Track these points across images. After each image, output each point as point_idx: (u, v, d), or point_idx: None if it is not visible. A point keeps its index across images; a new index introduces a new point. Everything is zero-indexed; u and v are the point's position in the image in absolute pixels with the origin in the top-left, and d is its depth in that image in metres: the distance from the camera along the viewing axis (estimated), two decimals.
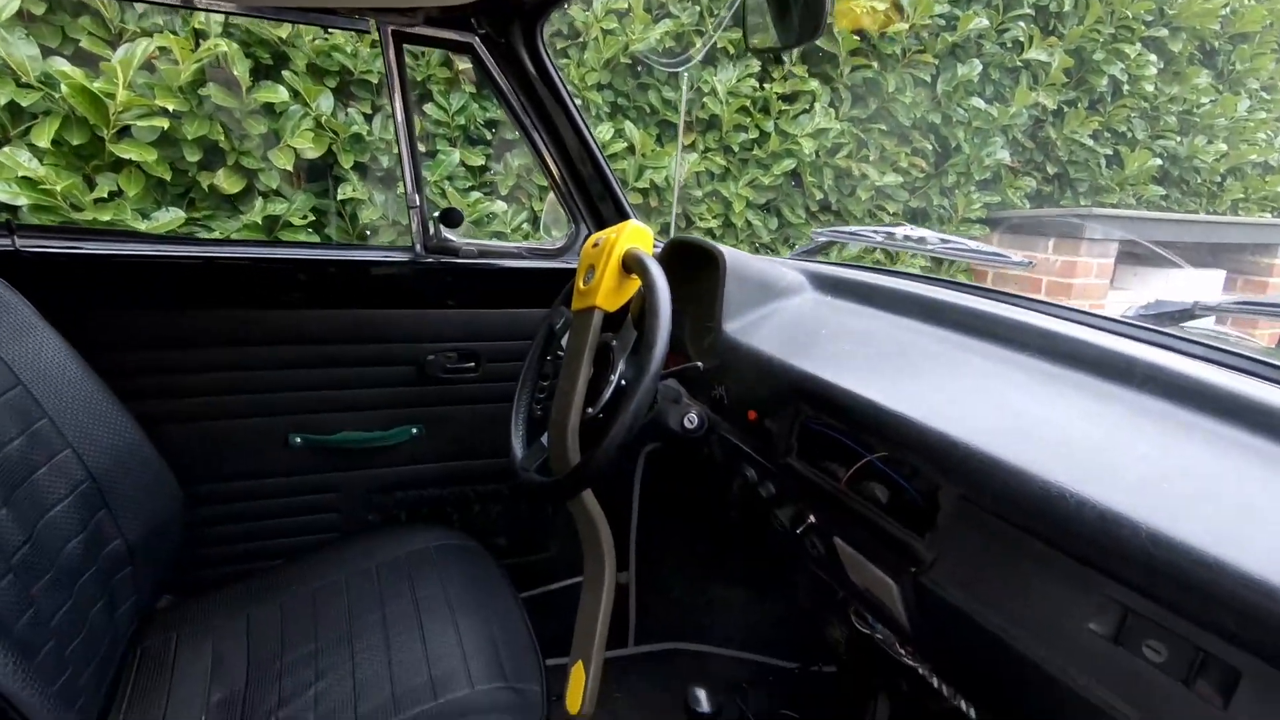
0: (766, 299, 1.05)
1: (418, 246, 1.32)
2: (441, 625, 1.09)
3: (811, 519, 0.95)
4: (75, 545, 0.98)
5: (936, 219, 3.05)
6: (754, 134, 2.66)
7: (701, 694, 0.94)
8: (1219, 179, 3.92)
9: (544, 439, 1.11)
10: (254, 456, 1.30)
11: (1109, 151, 3.49)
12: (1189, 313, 0.79)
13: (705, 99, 2.57)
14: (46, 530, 0.93)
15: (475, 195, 2.30)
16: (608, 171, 1.35)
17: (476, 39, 1.22)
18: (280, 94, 1.99)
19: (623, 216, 1.40)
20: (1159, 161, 3.54)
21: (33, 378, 0.96)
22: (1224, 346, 0.70)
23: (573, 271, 1.44)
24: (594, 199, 1.38)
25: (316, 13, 1.16)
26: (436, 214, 1.32)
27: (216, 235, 2.02)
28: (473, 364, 1.39)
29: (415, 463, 1.43)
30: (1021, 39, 3.03)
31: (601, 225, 1.42)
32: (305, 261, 1.25)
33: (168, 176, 1.91)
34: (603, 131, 2.45)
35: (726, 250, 1.04)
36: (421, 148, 2.24)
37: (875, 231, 1.14)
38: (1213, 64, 3.71)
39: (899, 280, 1.04)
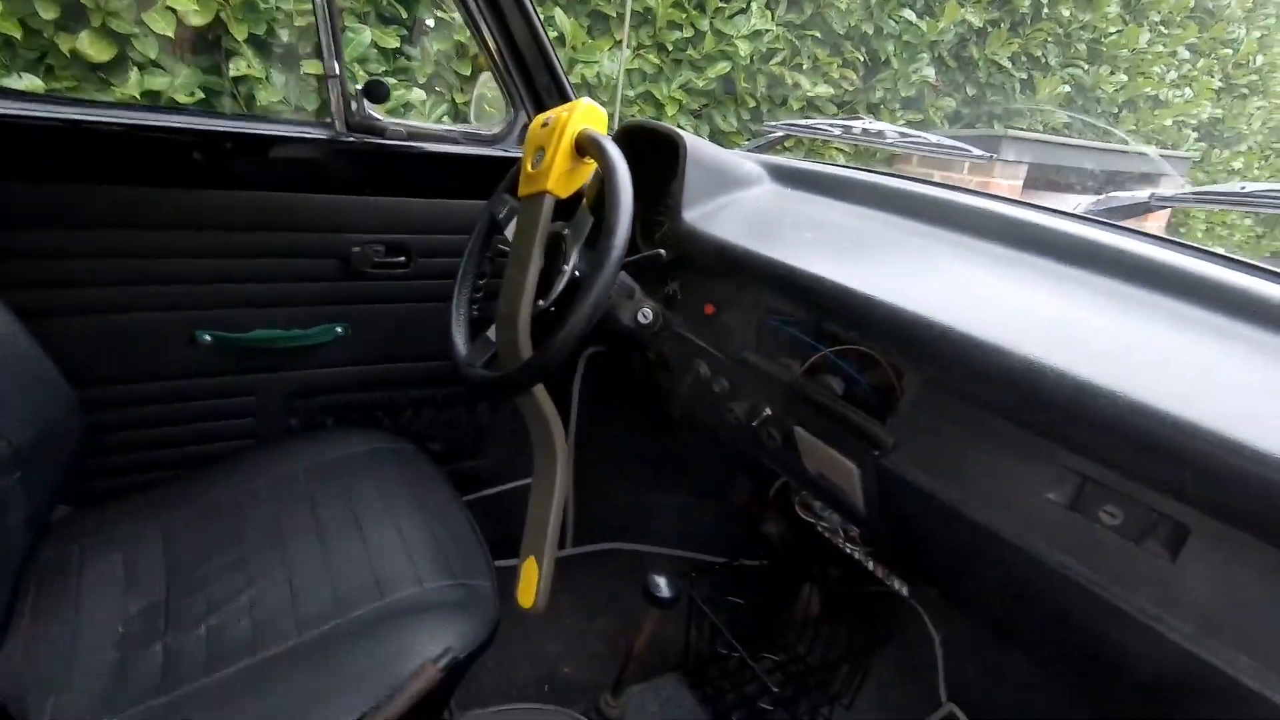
0: (725, 188, 1.02)
1: (337, 123, 1.18)
2: (381, 527, 1.05)
3: (768, 411, 0.96)
4: None
5: None
6: (689, 33, 2.54)
7: (661, 581, 0.96)
8: (1116, 109, 4.13)
9: (489, 334, 1.05)
10: (155, 356, 1.18)
11: (1024, 76, 3.59)
12: (1145, 205, 0.82)
13: None
14: None
15: (390, 81, 2.10)
16: (551, 52, 1.24)
17: None
18: None
19: (565, 99, 1.31)
20: (1067, 88, 3.68)
21: None
22: (1176, 237, 0.73)
23: (512, 160, 1.34)
24: (535, 82, 1.27)
25: None
26: (359, 87, 1.18)
27: None
28: (403, 258, 1.29)
29: (341, 364, 1.33)
30: None
31: (543, 110, 1.32)
32: (206, 132, 1.10)
33: (18, 34, 1.63)
34: None
35: (686, 135, 0.99)
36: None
37: (832, 124, 1.11)
38: None
39: (858, 172, 1.03)
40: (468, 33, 2.20)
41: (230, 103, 1.97)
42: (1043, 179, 3.30)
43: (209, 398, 1.25)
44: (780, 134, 1.23)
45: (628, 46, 2.50)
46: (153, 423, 1.21)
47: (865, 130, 1.06)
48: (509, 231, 1.09)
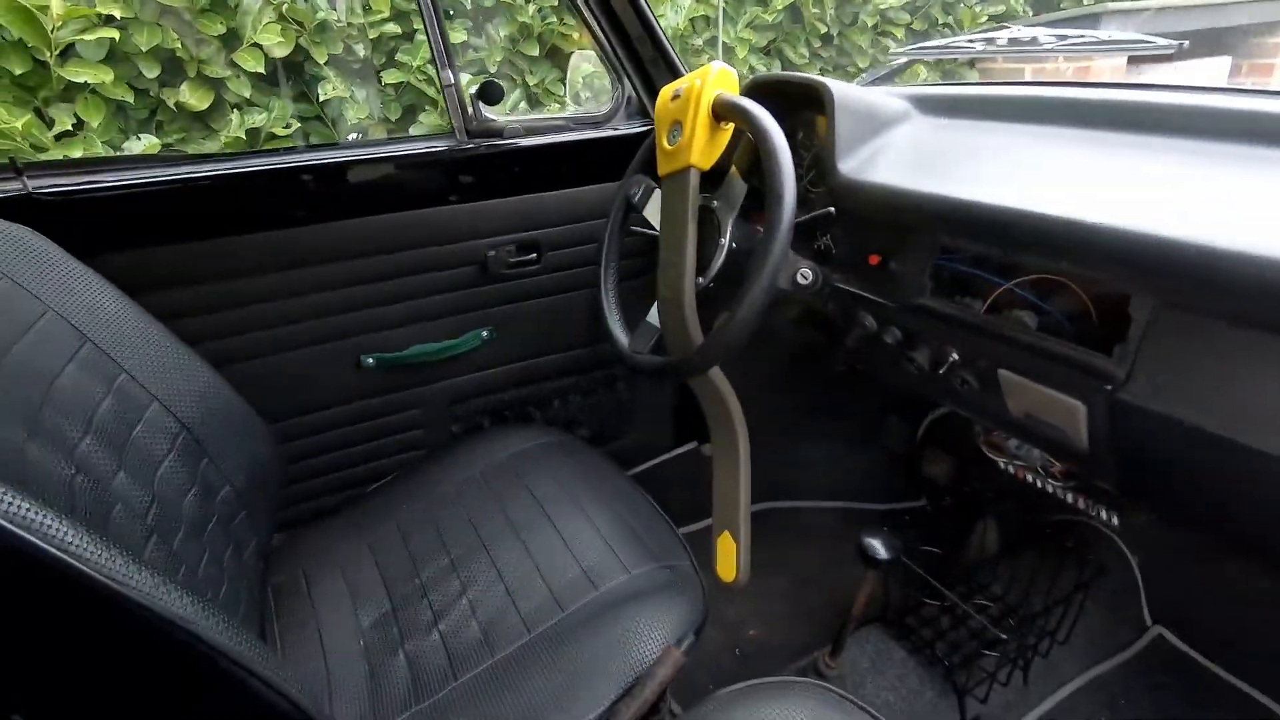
0: (876, 131, 0.97)
1: (458, 132, 1.19)
2: (572, 519, 1.08)
3: (955, 356, 0.92)
4: (192, 499, 0.93)
5: (955, 25, 2.87)
6: None
7: (877, 543, 0.95)
8: None
9: (650, 318, 1.05)
10: (328, 385, 1.24)
11: None
12: None
13: None
14: (164, 488, 0.88)
15: (464, 77, 2.10)
16: (655, 23, 1.20)
17: None
18: None
19: (673, 72, 1.27)
20: None
21: (99, 333, 0.87)
22: None
23: (625, 139, 1.32)
24: (641, 55, 1.24)
25: None
26: (473, 90, 1.18)
27: None
28: (534, 254, 1.30)
29: (490, 367, 1.37)
30: None
31: (651, 86, 1.29)
32: (338, 165, 1.12)
33: (130, 98, 1.71)
34: None
35: (829, 81, 0.94)
36: (398, 29, 2.03)
37: (971, 40, 1.03)
38: None
39: (1012, 89, 0.95)
40: (529, 11, 2.18)
41: (321, 126, 2.02)
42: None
43: (379, 416, 1.31)
44: (905, 60, 1.15)
45: None
46: (335, 447, 1.28)
47: (1014, 40, 0.98)
48: (648, 212, 1.08)
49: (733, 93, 0.94)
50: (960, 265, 0.93)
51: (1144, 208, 0.69)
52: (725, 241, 0.96)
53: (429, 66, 2.09)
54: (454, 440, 1.40)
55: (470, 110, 1.18)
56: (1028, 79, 1.69)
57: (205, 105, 1.84)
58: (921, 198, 0.85)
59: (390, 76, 2.04)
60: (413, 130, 2.13)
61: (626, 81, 1.29)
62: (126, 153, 1.71)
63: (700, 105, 0.92)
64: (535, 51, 2.23)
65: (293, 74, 1.96)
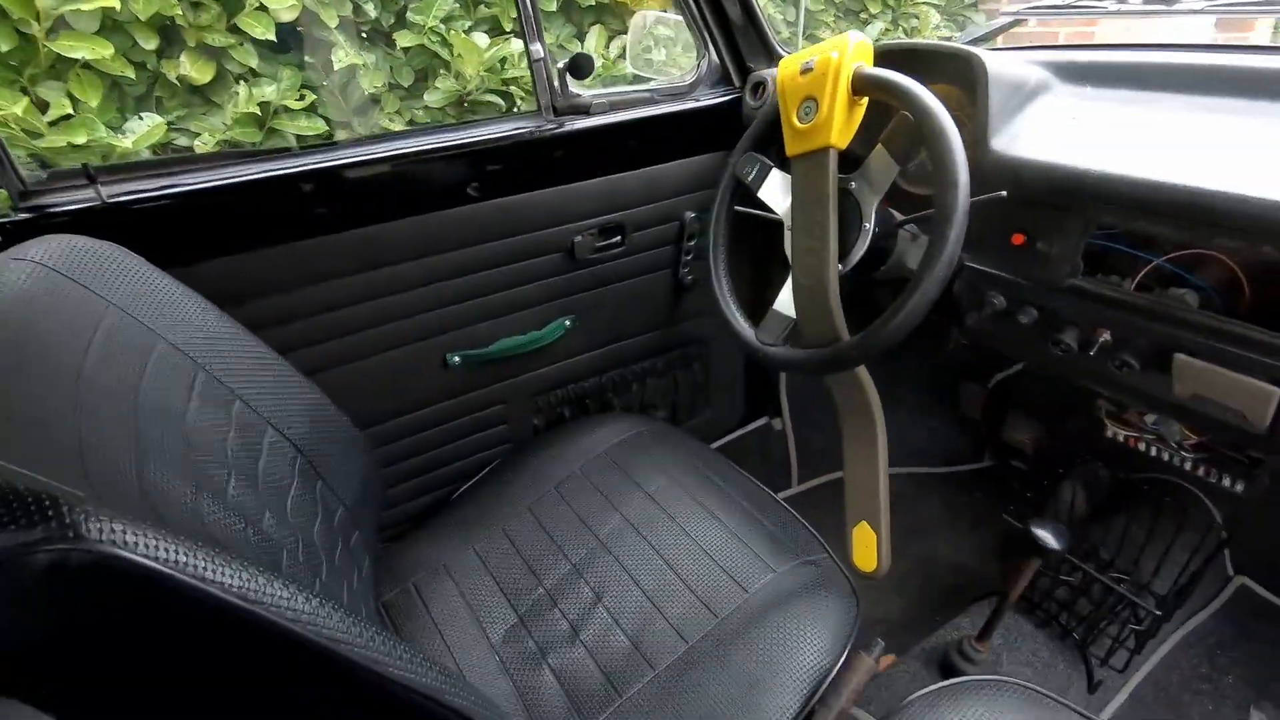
0: (1023, 104, 0.92)
1: (544, 111, 1.10)
2: (695, 515, 1.05)
3: (1106, 337, 0.90)
4: (320, 526, 0.87)
5: None
6: None
7: (1047, 533, 0.94)
8: None
9: (778, 307, 1.00)
10: (415, 386, 1.17)
11: None
12: None
13: None
14: (298, 519, 0.82)
15: (483, 38, 1.96)
16: None
17: None
18: None
19: (761, 35, 1.19)
20: None
21: (207, 356, 0.79)
22: None
23: (709, 111, 1.25)
24: (730, 21, 1.16)
25: None
26: (560, 65, 1.09)
27: (207, 137, 1.68)
28: (619, 238, 1.24)
29: (571, 356, 1.31)
30: None
31: (737, 54, 1.21)
32: (419, 155, 1.03)
33: (131, 74, 1.54)
34: None
35: (979, 52, 0.89)
36: None
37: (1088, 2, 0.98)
38: None
39: (1156, 54, 0.91)
40: None
41: (331, 99, 1.87)
42: None
43: (464, 414, 1.25)
44: (1008, 21, 1.10)
45: None
46: (423, 449, 1.23)
47: None
48: (765, 194, 1.02)
49: (869, 65, 0.88)
50: (1113, 244, 0.90)
51: None
52: (870, 226, 0.91)
53: (443, 24, 1.94)
54: (539, 434, 1.35)
55: (557, 86, 1.09)
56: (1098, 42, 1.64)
57: (208, 78, 1.68)
58: (1089, 175, 0.81)
59: (403, 39, 1.89)
60: (428, 97, 1.99)
61: (711, 49, 1.20)
62: (131, 134, 1.56)
63: (840, 80, 0.86)
64: (552, 6, 2.09)
65: (295, 41, 1.80)
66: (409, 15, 1.91)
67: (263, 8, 1.65)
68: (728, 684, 0.85)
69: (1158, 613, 1.03)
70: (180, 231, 0.90)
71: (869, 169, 0.91)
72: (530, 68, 1.06)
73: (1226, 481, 1.05)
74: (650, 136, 1.20)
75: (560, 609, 0.99)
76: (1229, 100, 0.84)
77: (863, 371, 0.97)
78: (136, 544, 0.37)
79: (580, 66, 1.07)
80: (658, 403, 1.47)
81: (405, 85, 1.99)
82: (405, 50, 1.96)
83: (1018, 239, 0.93)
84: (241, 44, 1.69)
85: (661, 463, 1.15)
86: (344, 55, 1.78)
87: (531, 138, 1.09)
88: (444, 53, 1.97)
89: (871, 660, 0.81)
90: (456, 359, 1.18)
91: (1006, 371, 1.52)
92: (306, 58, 1.83)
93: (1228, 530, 1.28)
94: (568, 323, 1.27)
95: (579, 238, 1.18)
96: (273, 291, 0.99)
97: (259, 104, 1.71)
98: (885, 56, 0.92)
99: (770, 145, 1.02)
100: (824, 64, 0.87)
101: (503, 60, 2.01)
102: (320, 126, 1.82)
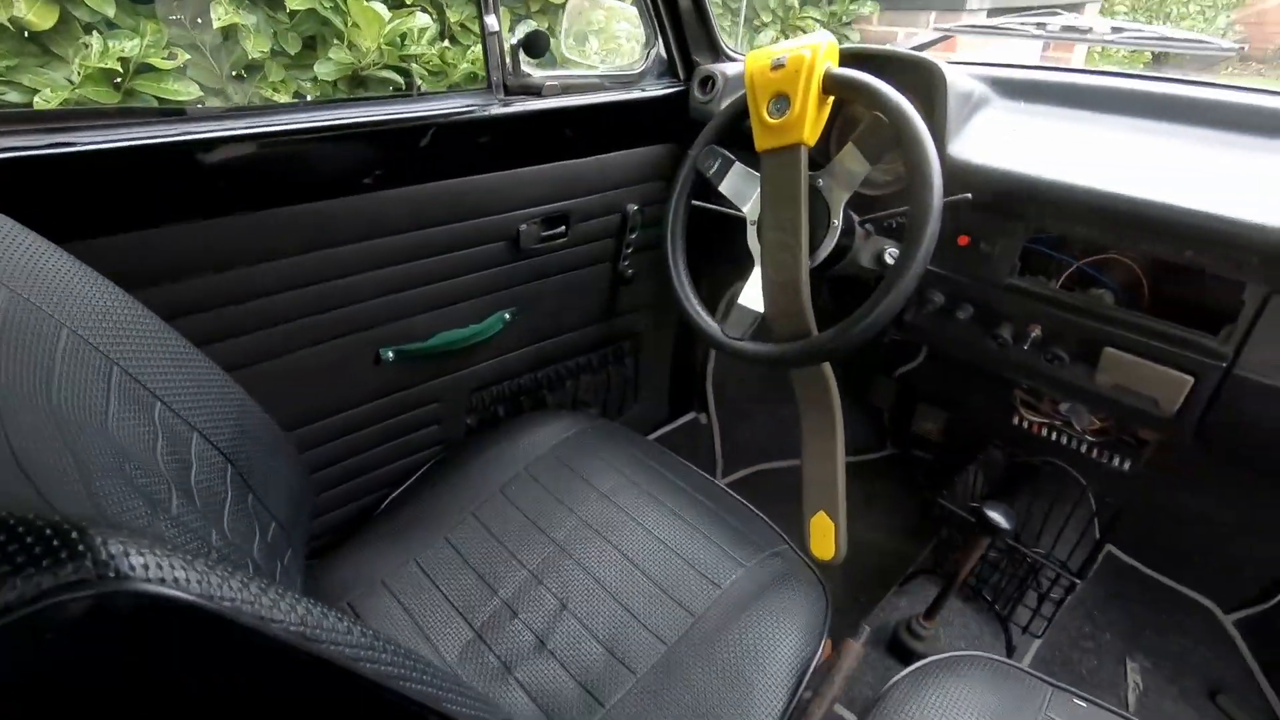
0: (969, 114, 0.98)
1: (495, 89, 1.03)
2: (655, 513, 1.03)
3: (1036, 333, 0.99)
4: (259, 544, 0.77)
5: None
6: None
7: (998, 514, 1.00)
8: None
9: (742, 301, 1.00)
10: (344, 384, 1.06)
11: None
12: None
13: None
14: (236, 537, 0.72)
15: (382, 9, 1.81)
16: None
17: None
18: None
19: (709, 31, 1.19)
20: None
21: (120, 351, 0.67)
22: None
23: (655, 101, 1.22)
24: (680, 14, 1.14)
25: None
26: (514, 40, 1.02)
27: (49, 95, 1.43)
28: (563, 227, 1.19)
29: (509, 351, 1.25)
30: None
31: (685, 47, 1.20)
32: (355, 127, 0.93)
33: None
34: None
35: (939, 63, 0.94)
36: None
37: (1022, 23, 1.07)
38: None
39: (1082, 75, 1.01)
40: None
41: (205, 61, 1.66)
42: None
43: (395, 414, 1.14)
44: (937, 38, 1.17)
45: None
46: (351, 452, 1.11)
47: (1068, 28, 1.03)
48: (726, 188, 1.02)
49: (836, 65, 0.91)
50: (1039, 247, 0.99)
51: (1254, 202, 0.78)
52: (838, 224, 0.93)
53: None
54: (473, 434, 1.27)
55: (509, 64, 1.03)
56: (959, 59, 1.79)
57: (48, 24, 1.43)
58: (1037, 182, 0.88)
59: (293, 2, 1.71)
60: (319, 68, 1.81)
61: (660, 40, 1.19)
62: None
63: (814, 78, 0.88)
64: None
65: None
66: None
67: None
68: (715, 682, 0.84)
69: (1078, 580, 1.15)
70: (75, 200, 0.75)
71: (838, 167, 0.93)
72: (483, 41, 0.98)
73: (1116, 461, 1.19)
74: (597, 124, 1.16)
75: (522, 619, 0.94)
76: (1146, 121, 0.95)
77: (826, 366, 0.99)
78: (188, 580, 0.30)
79: (535, 44, 1.02)
80: (589, 399, 1.44)
81: (291, 53, 1.80)
82: (292, 15, 1.78)
83: (963, 240, 0.99)
84: None
85: (610, 460, 1.11)
86: (224, 13, 1.58)
87: (481, 117, 1.01)
88: (337, 21, 1.81)
89: (859, 646, 0.84)
90: (390, 354, 1.08)
91: (909, 365, 1.63)
92: (173, 14, 1.61)
93: (1103, 503, 1.45)
94: (507, 316, 1.20)
95: (524, 226, 1.12)
96: (185, 275, 0.85)
97: (121, 59, 1.47)
98: (850, 59, 0.95)
99: (732, 139, 1.02)
100: (797, 61, 0.88)
101: (403, 35, 1.87)
102: (193, 91, 1.60)
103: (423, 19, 1.85)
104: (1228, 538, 1.30)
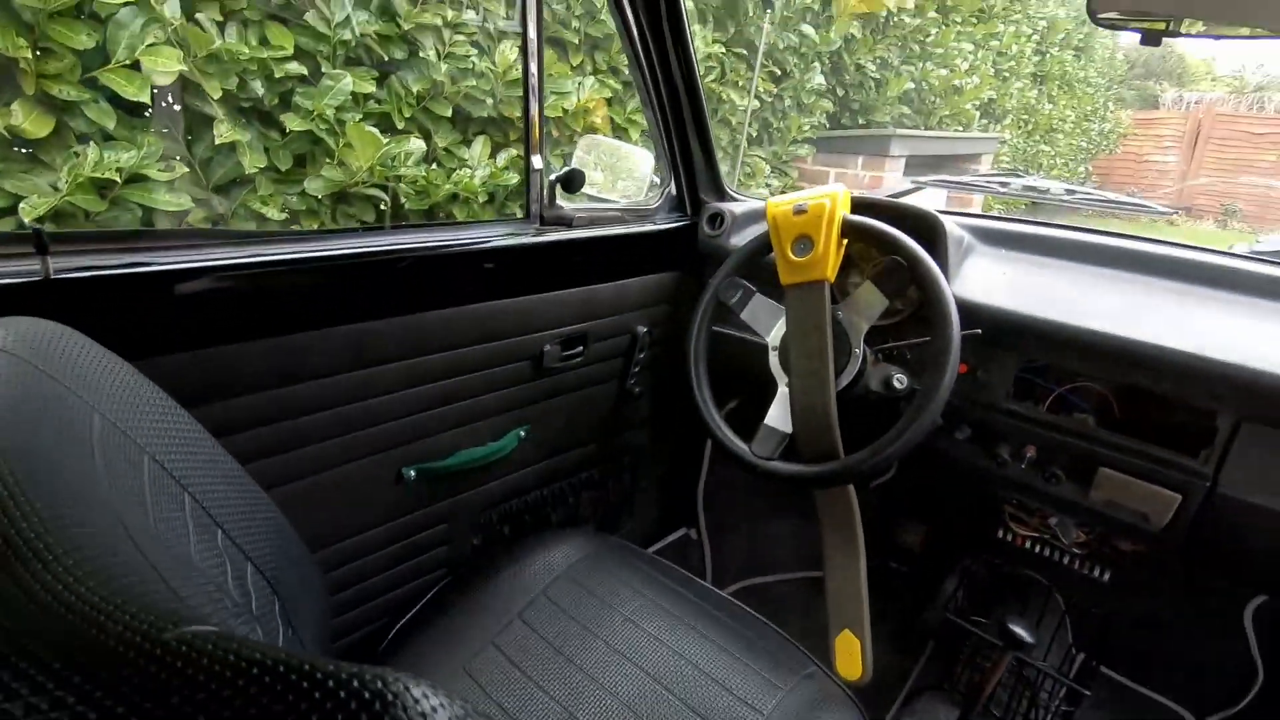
0: (962, 258, 1.11)
1: (534, 219, 1.09)
2: (684, 637, 1.02)
3: (1031, 453, 1.08)
4: None
5: (779, 140, 3.28)
6: None
7: (1020, 629, 1.04)
8: (935, 99, 4.78)
9: (770, 422, 1.06)
10: (364, 504, 1.02)
11: (877, 76, 4.03)
12: None
13: (599, 18, 2.39)
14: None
15: (388, 135, 1.88)
16: (710, 136, 1.24)
17: None
18: None
19: (715, 175, 1.31)
20: (911, 85, 4.20)
21: (189, 477, 0.66)
22: None
23: (667, 234, 1.31)
24: (693, 159, 1.26)
25: None
26: (553, 177, 1.09)
27: (35, 201, 1.39)
28: (580, 348, 1.23)
29: (519, 468, 1.24)
30: None
31: (694, 186, 1.31)
32: (397, 254, 0.96)
33: None
34: (505, 49, 2.15)
35: (935, 212, 1.07)
36: (302, 68, 1.77)
37: (987, 180, 1.24)
38: None
39: (1047, 229, 1.17)
40: (442, 70, 2.05)
41: (201, 174, 1.66)
42: (916, 165, 3.77)
43: (409, 535, 1.11)
44: (912, 188, 1.33)
45: (583, 74, 2.46)
46: (367, 575, 1.06)
47: (1028, 187, 1.21)
48: (748, 317, 1.10)
49: (849, 212, 1.02)
50: (1026, 375, 1.10)
51: (1227, 344, 0.91)
52: (859, 352, 1.02)
53: (332, 110, 1.84)
54: (481, 554, 1.23)
55: (545, 198, 1.10)
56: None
57: (44, 133, 1.41)
58: (1029, 319, 1.00)
59: (292, 122, 1.76)
60: (309, 184, 1.84)
61: (673, 179, 1.29)
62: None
63: (834, 224, 0.98)
64: (446, 112, 2.08)
65: (163, 107, 1.59)
66: (296, 99, 1.79)
67: (136, 66, 1.45)
68: None
69: (1086, 692, 1.19)
70: (137, 318, 0.73)
71: (857, 301, 1.02)
72: (527, 176, 1.05)
73: (1096, 572, 1.27)
74: (617, 252, 1.24)
75: None
76: (1113, 271, 1.10)
77: (849, 485, 1.04)
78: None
79: (573, 181, 1.09)
80: (589, 514, 1.43)
81: (282, 169, 1.83)
82: (283, 134, 1.82)
83: (963, 368, 1.09)
84: (97, 101, 1.45)
85: (628, 580, 1.10)
86: (226, 130, 1.60)
87: (520, 245, 1.07)
88: (330, 141, 1.86)
89: None
90: (412, 473, 1.06)
91: (883, 478, 1.71)
92: (166, 127, 1.62)
93: (1084, 614, 1.52)
94: (522, 433, 1.20)
95: (548, 347, 1.16)
96: (224, 396, 0.83)
97: (119, 170, 1.46)
98: (860, 207, 1.07)
99: (751, 273, 1.11)
100: (818, 209, 0.98)
101: (394, 157, 1.94)
102: (184, 203, 1.59)
103: (416, 143, 1.93)
104: (1197, 644, 1.39)
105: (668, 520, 1.63)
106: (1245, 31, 0.89)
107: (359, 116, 1.92)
